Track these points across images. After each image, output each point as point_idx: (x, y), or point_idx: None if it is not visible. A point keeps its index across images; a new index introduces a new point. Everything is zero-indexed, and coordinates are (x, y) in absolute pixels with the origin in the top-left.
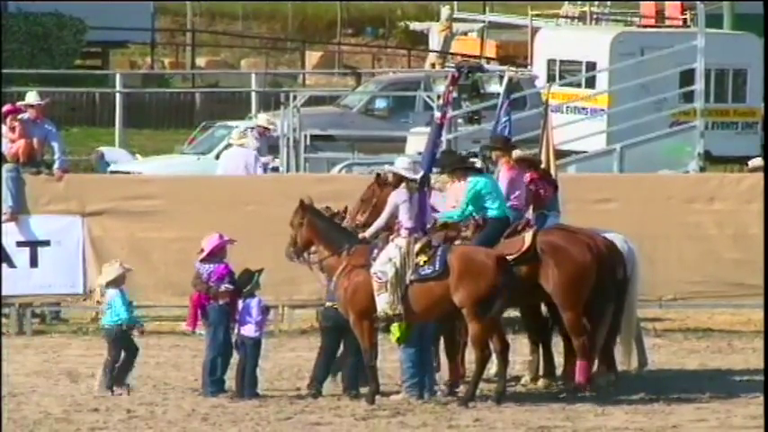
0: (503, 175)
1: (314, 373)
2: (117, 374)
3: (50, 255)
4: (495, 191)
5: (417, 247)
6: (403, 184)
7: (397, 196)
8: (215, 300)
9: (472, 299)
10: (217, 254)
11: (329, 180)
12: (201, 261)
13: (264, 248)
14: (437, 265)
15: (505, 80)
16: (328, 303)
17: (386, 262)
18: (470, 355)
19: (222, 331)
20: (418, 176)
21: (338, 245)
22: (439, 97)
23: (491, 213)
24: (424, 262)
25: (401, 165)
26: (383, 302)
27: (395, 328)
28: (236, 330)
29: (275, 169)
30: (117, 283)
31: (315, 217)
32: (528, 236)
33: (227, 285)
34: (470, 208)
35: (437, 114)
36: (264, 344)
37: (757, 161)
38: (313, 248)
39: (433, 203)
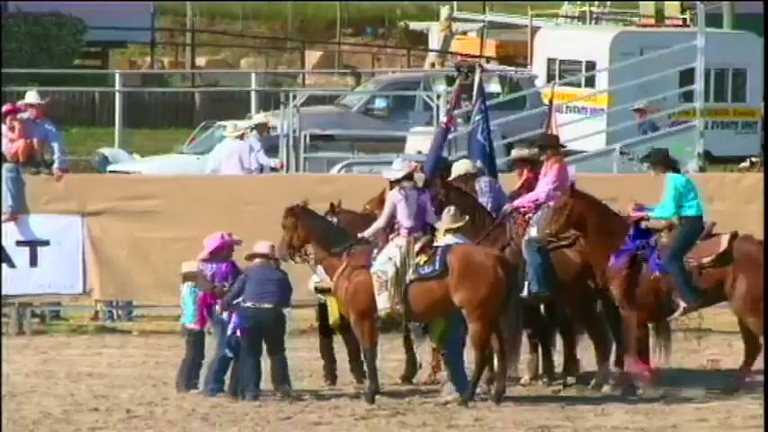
0: (552, 173)
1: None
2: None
3: (50, 254)
4: (693, 189)
5: (417, 246)
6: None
7: (393, 196)
8: (220, 298)
9: (472, 299)
10: (219, 253)
11: (329, 180)
12: (204, 260)
13: None
14: (437, 265)
15: (477, 79)
16: (248, 303)
17: (386, 261)
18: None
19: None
20: (399, 175)
21: (335, 245)
22: (439, 97)
23: (688, 212)
24: (424, 261)
25: (393, 167)
26: (383, 301)
27: (437, 327)
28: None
29: (274, 169)
30: (189, 278)
31: (310, 219)
32: (725, 238)
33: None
34: (673, 206)
35: (443, 118)
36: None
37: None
38: (309, 248)
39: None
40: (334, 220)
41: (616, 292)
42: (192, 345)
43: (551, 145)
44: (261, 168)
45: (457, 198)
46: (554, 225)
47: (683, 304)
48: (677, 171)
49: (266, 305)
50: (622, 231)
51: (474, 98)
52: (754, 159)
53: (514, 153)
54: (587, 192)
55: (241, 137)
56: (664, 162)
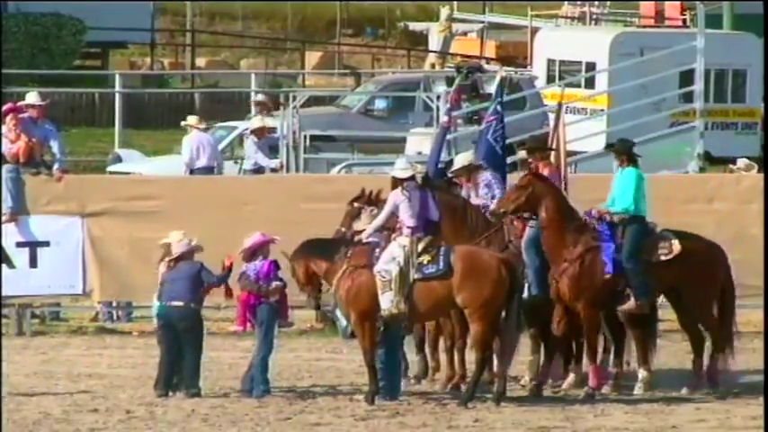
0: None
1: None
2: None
3: (50, 255)
4: (644, 187)
5: (421, 246)
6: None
7: (396, 196)
8: (265, 298)
9: (475, 300)
10: (258, 252)
11: (329, 180)
12: (245, 260)
13: None
14: (441, 264)
15: (497, 80)
16: (161, 302)
17: (389, 260)
18: (470, 356)
19: (273, 329)
20: (407, 174)
21: (331, 255)
22: (439, 98)
23: (642, 212)
24: (428, 261)
25: (397, 166)
26: (387, 301)
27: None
28: None
29: (274, 170)
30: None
31: (303, 250)
32: (676, 242)
33: (276, 282)
34: (633, 201)
35: (444, 119)
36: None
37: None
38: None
39: None
40: (374, 210)
41: (566, 287)
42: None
43: (540, 148)
44: (260, 169)
45: (447, 198)
46: (512, 204)
47: (634, 301)
48: (637, 166)
49: (175, 303)
50: (575, 222)
51: (492, 98)
52: (736, 167)
53: (520, 154)
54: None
55: (205, 129)
56: (629, 154)
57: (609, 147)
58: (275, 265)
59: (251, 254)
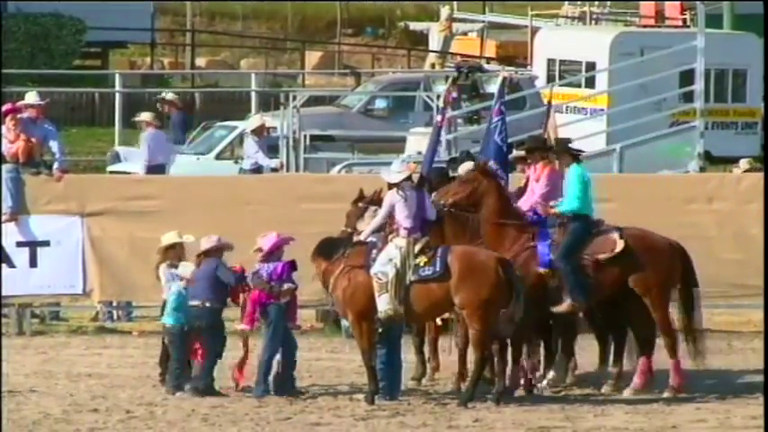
0: (544, 177)
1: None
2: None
3: (50, 255)
4: (590, 184)
5: (417, 247)
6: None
7: (392, 197)
8: (276, 299)
9: (473, 300)
10: (275, 252)
11: (329, 180)
12: (262, 261)
13: None
14: (437, 266)
15: (500, 80)
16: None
17: (386, 262)
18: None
19: (282, 330)
20: (400, 178)
21: (330, 254)
22: (439, 97)
23: (586, 210)
24: (425, 263)
25: (392, 168)
26: (384, 303)
27: None
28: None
29: (274, 170)
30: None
31: (314, 251)
32: (617, 236)
33: (288, 284)
34: (580, 200)
35: (437, 117)
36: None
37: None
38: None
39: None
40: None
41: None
42: (173, 345)
43: (539, 147)
44: (259, 168)
45: None
46: (452, 197)
47: (569, 301)
48: (579, 162)
49: (191, 303)
50: (515, 221)
51: (495, 98)
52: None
53: (515, 154)
54: None
55: (160, 127)
56: (567, 151)
57: (548, 149)
58: (290, 266)
59: (269, 255)
